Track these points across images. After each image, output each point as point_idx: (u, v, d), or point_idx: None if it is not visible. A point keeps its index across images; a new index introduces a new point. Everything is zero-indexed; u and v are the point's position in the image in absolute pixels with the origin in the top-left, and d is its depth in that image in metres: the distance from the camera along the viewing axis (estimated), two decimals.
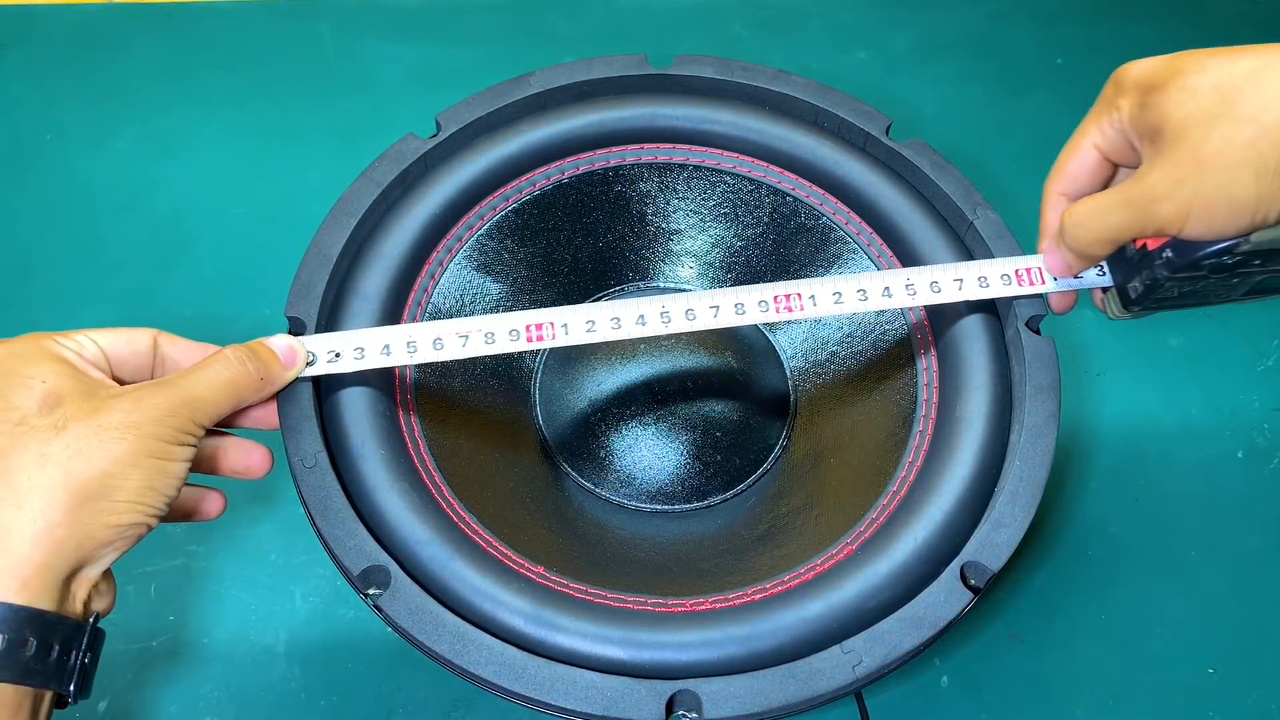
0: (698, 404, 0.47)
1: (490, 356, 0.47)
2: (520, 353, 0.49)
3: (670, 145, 0.49)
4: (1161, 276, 0.36)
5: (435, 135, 0.46)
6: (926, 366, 0.43)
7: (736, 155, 0.48)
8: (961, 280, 0.40)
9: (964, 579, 0.36)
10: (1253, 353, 0.61)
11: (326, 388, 0.40)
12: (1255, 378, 0.60)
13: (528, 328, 0.39)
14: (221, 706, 0.48)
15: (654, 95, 0.49)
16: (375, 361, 0.39)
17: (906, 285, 0.40)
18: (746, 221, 0.50)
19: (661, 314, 0.39)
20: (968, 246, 0.45)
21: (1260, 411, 0.59)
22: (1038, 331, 0.41)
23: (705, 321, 0.39)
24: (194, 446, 0.33)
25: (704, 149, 0.49)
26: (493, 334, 0.39)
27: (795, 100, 0.48)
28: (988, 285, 0.40)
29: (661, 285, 0.52)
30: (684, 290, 0.52)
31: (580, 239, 0.50)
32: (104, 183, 0.65)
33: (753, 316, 0.40)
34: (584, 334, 0.39)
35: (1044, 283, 0.40)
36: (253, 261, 0.62)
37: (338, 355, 0.38)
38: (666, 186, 0.50)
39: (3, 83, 0.69)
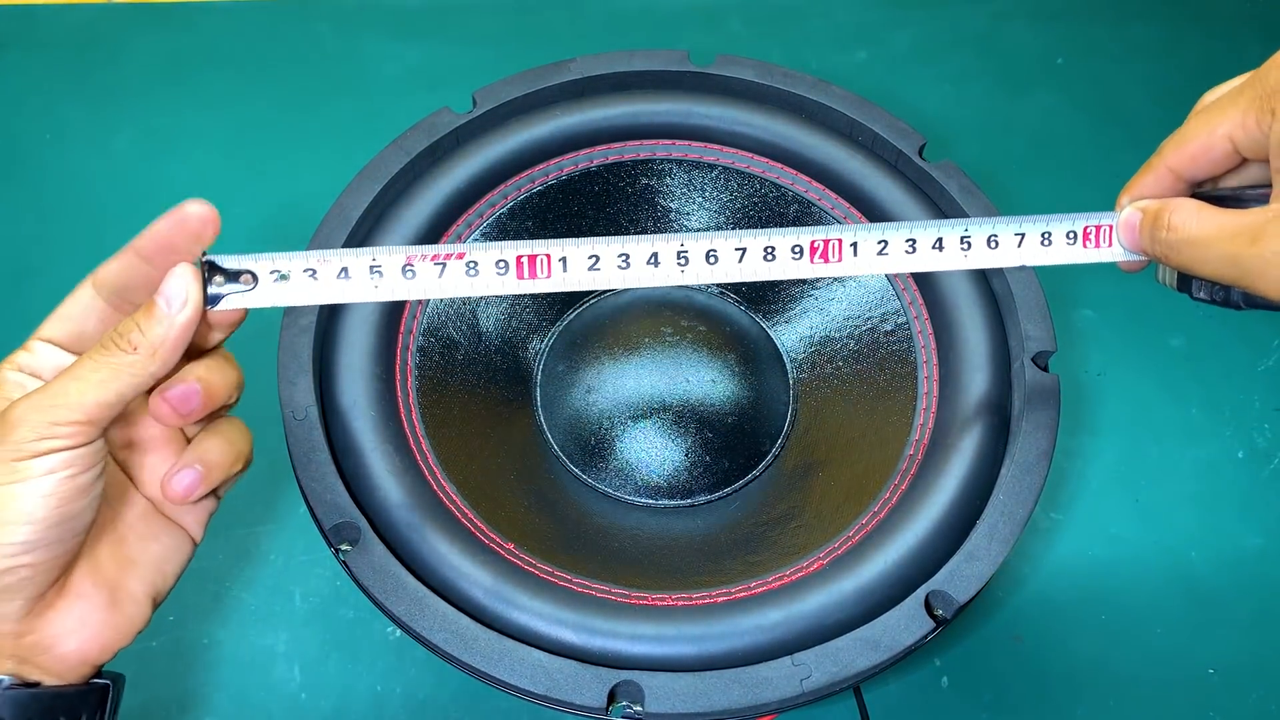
0: (696, 404, 0.47)
1: (496, 338, 0.47)
2: (528, 333, 0.49)
3: (702, 144, 0.49)
4: (1236, 301, 0.33)
5: (470, 111, 0.47)
6: (927, 391, 0.43)
7: (767, 160, 0.49)
8: (1023, 235, 0.35)
9: (928, 607, 0.36)
10: (1253, 353, 0.61)
11: (327, 344, 0.41)
12: (1255, 378, 0.60)
13: (519, 260, 0.33)
14: (221, 706, 0.48)
15: (691, 93, 0.49)
16: (331, 288, 0.33)
17: (962, 238, 0.35)
18: (769, 228, 0.50)
19: (679, 254, 0.34)
20: (986, 275, 0.45)
21: (1260, 411, 0.59)
22: (1044, 368, 0.41)
23: (728, 268, 0.35)
24: (64, 452, 0.28)
25: (735, 151, 0.49)
26: (475, 264, 0.33)
27: (832, 111, 0.48)
28: (1050, 243, 0.35)
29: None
30: (697, 289, 0.52)
31: (601, 228, 0.51)
32: (104, 183, 0.65)
33: (783, 266, 0.35)
34: (586, 273, 0.34)
35: (1111, 245, 0.35)
36: None
37: (283, 276, 0.33)
38: (693, 184, 0.50)
39: (3, 83, 0.69)
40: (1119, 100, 0.71)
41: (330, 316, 0.42)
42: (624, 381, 0.47)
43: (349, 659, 0.49)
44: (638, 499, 0.47)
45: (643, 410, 0.47)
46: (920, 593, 0.36)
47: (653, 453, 0.47)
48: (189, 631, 0.50)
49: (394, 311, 0.43)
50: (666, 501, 0.47)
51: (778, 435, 0.48)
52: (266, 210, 0.64)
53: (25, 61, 0.70)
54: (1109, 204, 0.37)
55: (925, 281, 0.45)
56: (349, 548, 0.36)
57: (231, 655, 0.49)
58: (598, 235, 0.50)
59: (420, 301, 0.44)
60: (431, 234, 0.45)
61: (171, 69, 0.70)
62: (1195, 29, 0.76)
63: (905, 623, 0.35)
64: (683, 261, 0.35)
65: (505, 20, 0.75)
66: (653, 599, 0.37)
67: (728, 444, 0.47)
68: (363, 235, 0.44)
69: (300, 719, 0.48)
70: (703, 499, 0.47)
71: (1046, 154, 0.69)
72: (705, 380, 0.47)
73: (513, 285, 0.34)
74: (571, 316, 0.51)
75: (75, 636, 0.31)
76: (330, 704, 0.48)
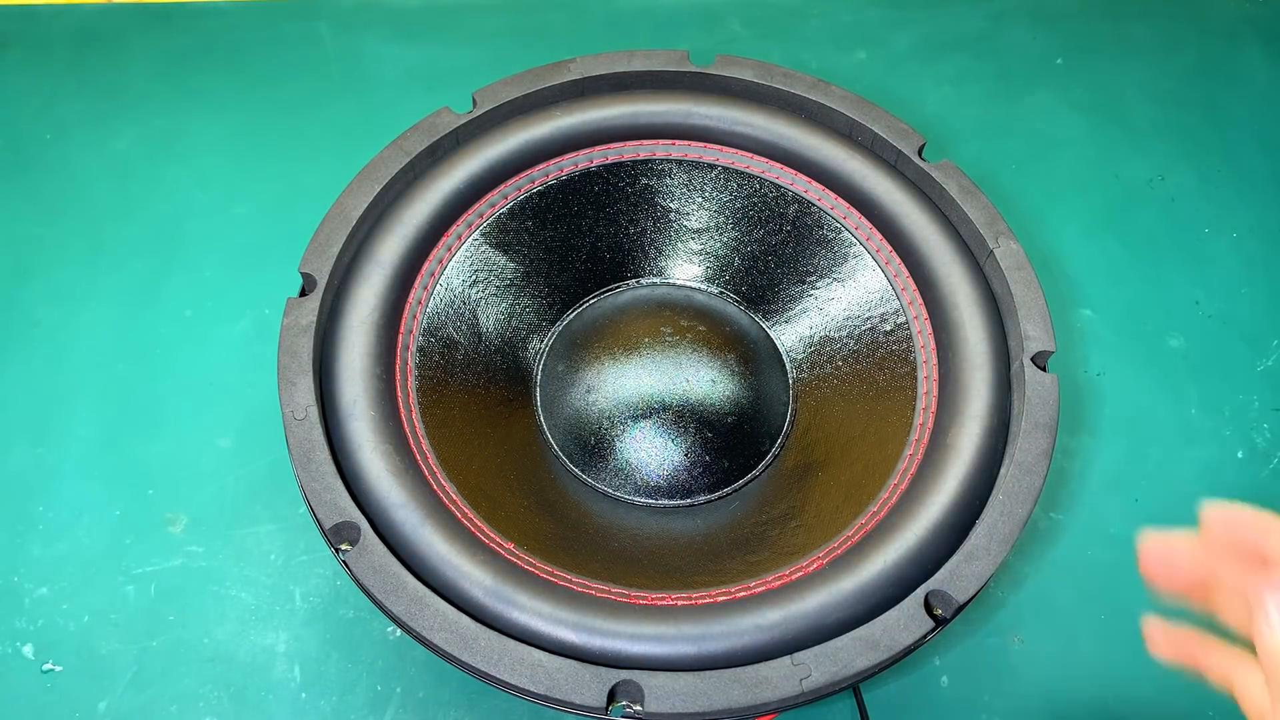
0: (696, 404, 0.47)
1: (496, 338, 0.48)
2: (527, 333, 0.50)
3: (702, 144, 0.49)
4: None
5: (470, 111, 0.47)
6: (927, 390, 0.43)
7: (766, 160, 0.49)
8: None
9: (928, 607, 0.36)
10: (1252, 353, 0.61)
11: (327, 344, 0.41)
12: (1255, 378, 0.60)
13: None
14: (221, 706, 0.48)
15: (690, 93, 0.49)
16: None
17: None
18: (769, 228, 0.50)
19: None
20: (986, 275, 0.45)
21: (1260, 411, 0.59)
22: (1043, 368, 0.41)
23: None
24: None
25: (735, 151, 0.49)
26: None
27: (831, 111, 0.48)
28: None
29: (676, 282, 0.52)
30: (697, 289, 0.52)
31: (601, 227, 0.51)
32: (104, 183, 0.65)
33: None
34: None
35: None
36: (253, 261, 0.62)
37: None
38: (693, 185, 0.50)
39: (3, 83, 0.69)
40: (1118, 100, 0.71)
41: (330, 316, 0.42)
42: (624, 381, 0.47)
43: (349, 659, 0.49)
44: (637, 499, 0.47)
45: (643, 410, 0.47)
46: (920, 592, 0.36)
47: (652, 452, 0.47)
48: (189, 631, 0.50)
49: (394, 311, 0.43)
50: (666, 501, 0.47)
51: (777, 435, 0.48)
52: (266, 211, 0.64)
53: (25, 61, 0.71)
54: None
55: (925, 281, 0.45)
56: (349, 548, 0.36)
57: (231, 655, 0.49)
58: (598, 234, 0.51)
59: (420, 301, 0.44)
60: (431, 234, 0.45)
61: (171, 69, 0.70)
62: (1194, 29, 0.76)
63: (905, 622, 0.35)
64: None
65: (505, 20, 0.75)
66: (653, 599, 0.37)
67: (727, 444, 0.47)
68: (362, 235, 0.44)
69: (300, 719, 0.48)
70: (702, 499, 0.47)
71: (1046, 154, 0.69)
72: (705, 380, 0.47)
73: None
74: (571, 316, 0.51)
75: None
76: (330, 704, 0.48)
